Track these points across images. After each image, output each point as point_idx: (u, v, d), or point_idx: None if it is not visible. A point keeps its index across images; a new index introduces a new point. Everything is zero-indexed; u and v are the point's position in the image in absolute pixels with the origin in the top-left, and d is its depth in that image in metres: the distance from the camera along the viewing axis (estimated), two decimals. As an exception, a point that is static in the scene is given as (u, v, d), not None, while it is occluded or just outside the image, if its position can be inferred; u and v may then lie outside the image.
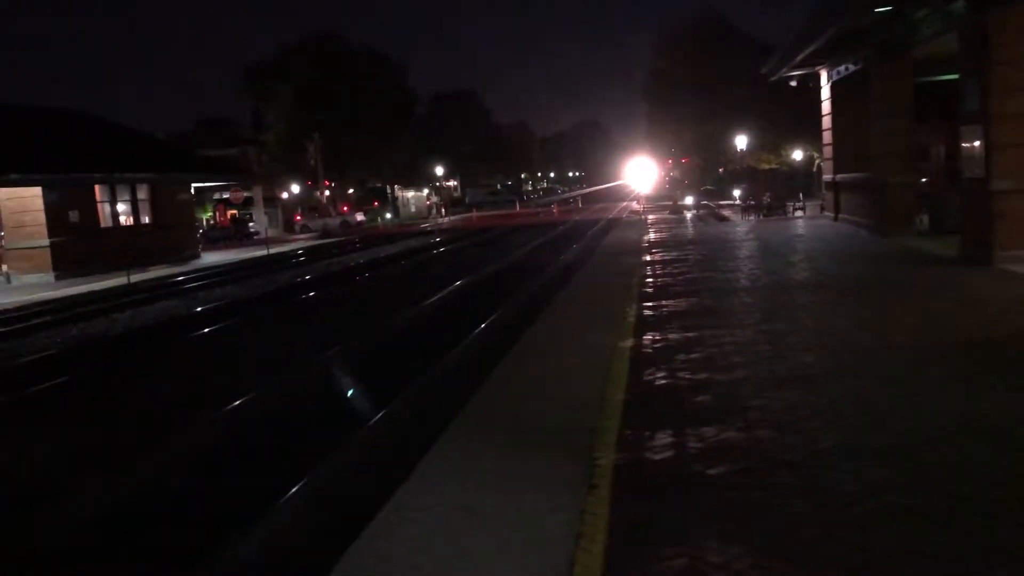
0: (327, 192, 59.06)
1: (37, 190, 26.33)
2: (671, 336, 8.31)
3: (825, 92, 22.04)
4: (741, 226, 25.53)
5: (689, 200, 43.99)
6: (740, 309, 9.64)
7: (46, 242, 26.47)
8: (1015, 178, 11.49)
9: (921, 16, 14.15)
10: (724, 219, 30.37)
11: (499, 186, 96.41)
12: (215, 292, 20.51)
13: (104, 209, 29.66)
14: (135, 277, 24.39)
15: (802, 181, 41.66)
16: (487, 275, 19.56)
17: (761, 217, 28.63)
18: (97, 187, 29.12)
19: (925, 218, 16.86)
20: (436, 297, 15.68)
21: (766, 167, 47.71)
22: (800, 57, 19.40)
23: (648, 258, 16.86)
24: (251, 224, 50.03)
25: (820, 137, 23.73)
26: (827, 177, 23.31)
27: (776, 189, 36.02)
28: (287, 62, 55.72)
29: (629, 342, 8.20)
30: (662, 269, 14.55)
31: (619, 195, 79.74)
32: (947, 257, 12.95)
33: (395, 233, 44.33)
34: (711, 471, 4.45)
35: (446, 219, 61.68)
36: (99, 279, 24.96)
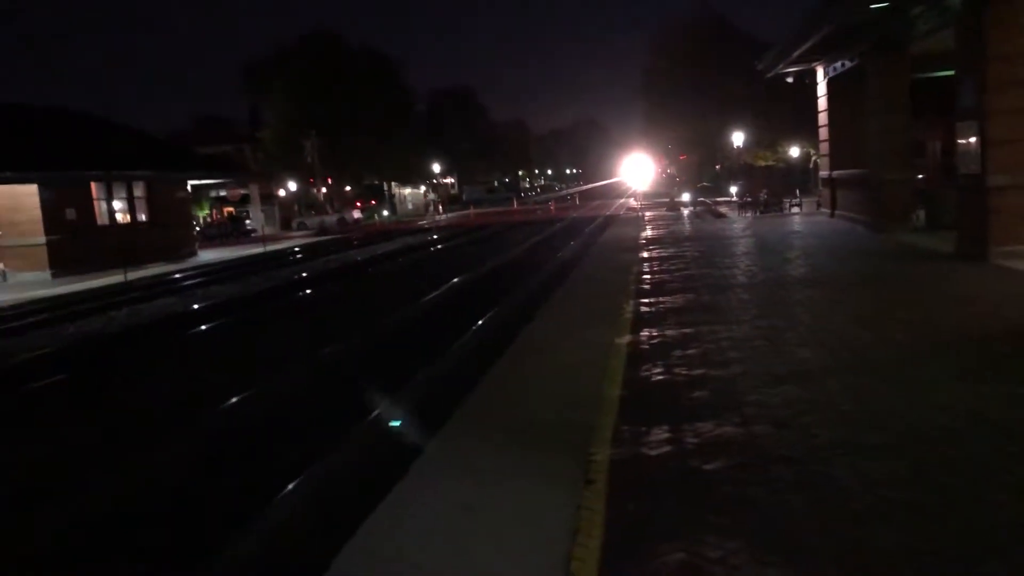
0: (324, 189, 59.01)
1: (33, 187, 26.25)
2: (668, 332, 8.32)
3: (821, 88, 22.06)
4: (738, 223, 25.55)
5: (686, 197, 44.05)
6: (737, 305, 9.65)
7: (42, 240, 26.39)
8: (1011, 174, 11.51)
9: (917, 12, 14.16)
10: (721, 216, 30.39)
11: (496, 183, 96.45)
12: (212, 290, 20.49)
13: (101, 207, 29.59)
14: (132, 275, 24.36)
15: (799, 178, 41.69)
16: (484, 272, 19.56)
17: (758, 214, 28.66)
18: (93, 185, 29.04)
19: (921, 214, 16.88)
20: (433, 295, 15.68)
21: (763, 164, 47.71)
22: (796, 53, 19.40)
23: (645, 255, 16.87)
24: (248, 222, 49.91)
25: (817, 134, 23.75)
26: (823, 173, 23.32)
27: (773, 186, 36.08)
28: (285, 60, 55.71)
29: (626, 338, 8.20)
30: (659, 265, 14.57)
31: (616, 192, 79.74)
32: (943, 253, 12.98)
33: (392, 230, 44.30)
34: (708, 466, 4.46)
35: (443, 216, 61.64)
36: (96, 277, 24.92)
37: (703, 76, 45.82)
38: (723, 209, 33.96)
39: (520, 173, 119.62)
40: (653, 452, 4.79)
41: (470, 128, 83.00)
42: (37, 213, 26.44)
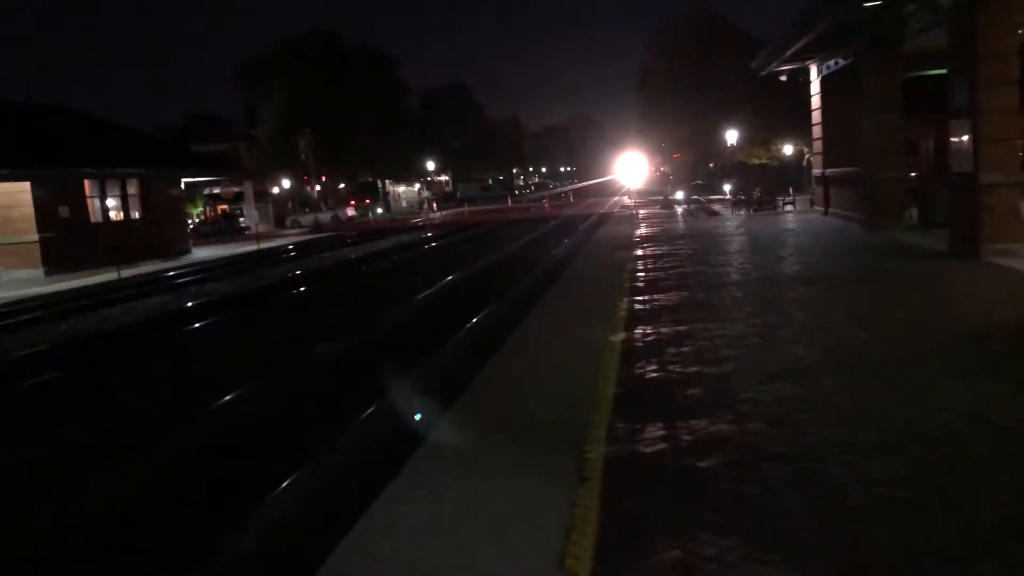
0: (318, 187, 58.89)
1: (26, 185, 26.13)
2: (662, 330, 8.34)
3: (815, 87, 22.10)
4: (731, 221, 25.59)
5: (680, 195, 44.00)
6: (731, 303, 9.68)
7: (35, 238, 26.25)
8: (1003, 172, 11.57)
9: (910, 11, 14.21)
10: (714, 214, 30.42)
11: (491, 181, 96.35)
12: (206, 287, 20.44)
13: (94, 204, 29.47)
14: (125, 272, 24.29)
15: (792, 176, 41.75)
16: (479, 270, 19.56)
17: (751, 212, 28.69)
18: (87, 182, 28.91)
19: (914, 212, 16.94)
20: (428, 292, 15.67)
21: (756, 162, 47.77)
22: (790, 52, 19.44)
23: (639, 252, 16.89)
24: (242, 219, 49.80)
25: (810, 132, 23.80)
26: (817, 172, 23.38)
27: (766, 184, 36.11)
28: (280, 57, 55.57)
29: (620, 336, 8.22)
30: (653, 263, 14.59)
31: (611, 190, 79.72)
32: (936, 251, 13.03)
33: (386, 228, 44.22)
34: (702, 464, 4.47)
35: (438, 214, 61.57)
36: (89, 274, 24.83)
37: (700, 74, 45.83)
38: (717, 207, 33.99)
39: (515, 171, 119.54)
40: (648, 450, 4.80)
41: (465, 125, 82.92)
42: (30, 210, 26.31)
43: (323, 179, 58.74)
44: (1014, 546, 3.34)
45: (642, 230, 23.72)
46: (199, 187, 50.27)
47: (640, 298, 10.65)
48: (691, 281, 11.84)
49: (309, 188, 58.62)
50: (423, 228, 42.32)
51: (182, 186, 34.99)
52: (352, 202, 59.50)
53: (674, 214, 32.26)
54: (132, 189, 31.01)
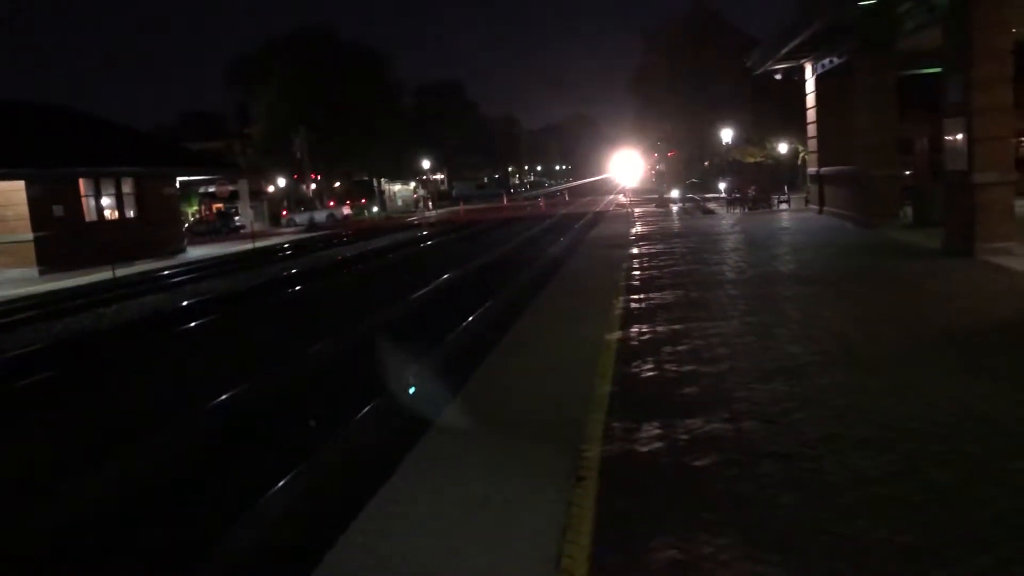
0: (313, 185, 58.81)
1: (20, 184, 26.03)
2: (658, 328, 8.35)
3: (810, 85, 22.13)
4: (726, 219, 25.64)
5: (675, 193, 44.07)
6: (726, 301, 9.70)
7: (30, 236, 26.17)
8: (997, 170, 11.61)
9: (905, 10, 14.24)
10: (710, 212, 30.47)
11: (486, 179, 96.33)
12: (201, 286, 20.40)
13: (89, 203, 29.37)
14: (120, 271, 24.21)
15: (787, 174, 41.76)
16: (474, 269, 19.55)
17: (746, 210, 28.74)
18: (81, 181, 28.82)
19: (909, 210, 16.99)
20: (423, 291, 15.67)
21: (751, 160, 47.82)
22: (785, 50, 19.47)
23: (635, 251, 16.91)
24: (237, 218, 49.70)
25: (805, 130, 23.84)
26: (812, 170, 23.41)
27: (761, 182, 36.18)
28: (273, 55, 55.44)
29: (616, 334, 8.23)
30: (648, 262, 14.61)
31: (606, 188, 79.76)
32: (930, 249, 13.07)
33: (382, 227, 44.20)
34: (698, 462, 4.49)
35: (433, 213, 61.52)
36: (84, 273, 24.74)
37: (694, 72, 45.91)
38: (712, 205, 34.04)
39: (510, 169, 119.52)
40: (644, 448, 4.81)
41: (460, 123, 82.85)
42: (24, 209, 26.22)
43: (318, 177, 58.66)
44: (1007, 542, 3.35)
45: (637, 228, 23.75)
46: (194, 185, 50.12)
47: (635, 296, 10.67)
48: (686, 280, 11.86)
49: (304, 187, 58.53)
50: (419, 227, 42.30)
51: (177, 185, 34.89)
52: (347, 201, 59.47)
53: (669, 212, 32.31)
54: (127, 188, 30.91)
